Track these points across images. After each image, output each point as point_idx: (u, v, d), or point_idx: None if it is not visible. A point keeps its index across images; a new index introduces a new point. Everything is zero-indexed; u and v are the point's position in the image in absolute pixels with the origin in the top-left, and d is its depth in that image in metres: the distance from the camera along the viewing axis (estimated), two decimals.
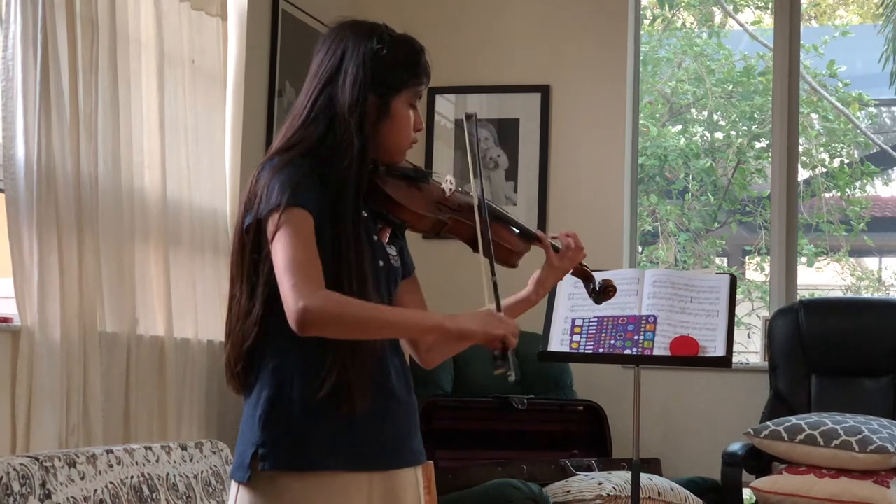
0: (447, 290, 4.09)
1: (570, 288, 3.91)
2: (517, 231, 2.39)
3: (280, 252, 2.05)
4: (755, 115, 8.71)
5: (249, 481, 2.10)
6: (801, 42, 5.57)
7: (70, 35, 3.50)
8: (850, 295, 8.45)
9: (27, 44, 3.35)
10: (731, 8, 9.10)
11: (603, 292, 2.49)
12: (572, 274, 2.46)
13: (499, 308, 2.18)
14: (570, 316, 3.89)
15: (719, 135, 9.00)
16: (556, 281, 2.44)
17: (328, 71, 2.21)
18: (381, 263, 2.22)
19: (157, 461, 3.42)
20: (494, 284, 2.20)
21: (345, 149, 2.15)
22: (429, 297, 2.38)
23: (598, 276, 2.55)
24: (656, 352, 3.74)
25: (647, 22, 8.59)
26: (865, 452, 4.22)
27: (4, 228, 3.32)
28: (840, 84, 8.70)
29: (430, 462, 3.71)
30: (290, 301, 2.02)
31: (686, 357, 3.75)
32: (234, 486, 2.16)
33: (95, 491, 3.09)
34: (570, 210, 5.34)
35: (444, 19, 5.51)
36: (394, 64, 2.21)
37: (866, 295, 8.75)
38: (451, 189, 2.30)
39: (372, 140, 2.19)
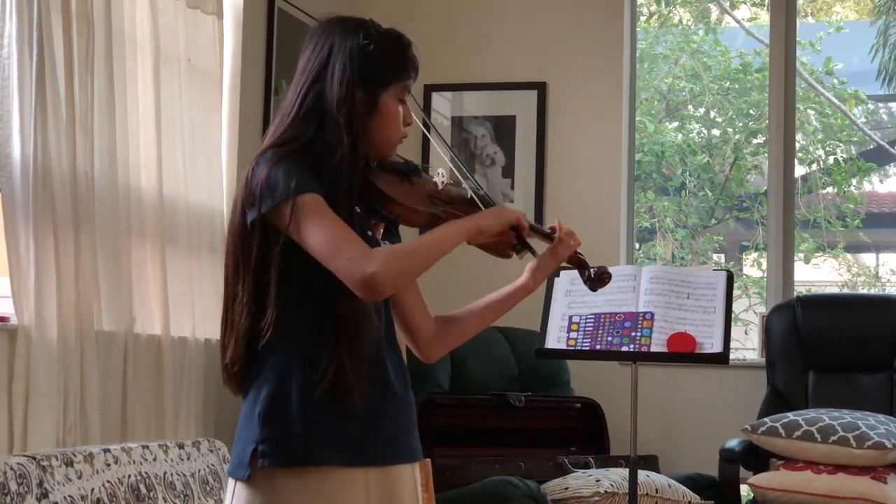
0: (444, 286, 4.09)
1: (567, 285, 3.91)
2: None
3: (315, 235, 2.05)
4: (752, 112, 8.71)
5: (249, 479, 2.10)
6: (798, 38, 5.57)
7: (66, 33, 3.49)
8: (846, 291, 8.45)
9: (23, 42, 3.34)
10: (727, 4, 9.10)
11: (598, 279, 2.50)
12: (568, 262, 2.45)
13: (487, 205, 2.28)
14: (567, 313, 3.89)
15: (716, 131, 9.01)
16: (553, 268, 2.44)
17: (315, 68, 2.20)
18: None
19: (154, 460, 3.42)
20: (482, 198, 2.29)
21: (335, 146, 2.15)
22: (425, 291, 2.37)
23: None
24: (653, 348, 3.74)
25: (643, 19, 8.58)
26: (863, 448, 4.22)
27: (1, 227, 3.32)
28: (836, 80, 8.70)
29: (428, 459, 3.71)
30: (356, 273, 2.02)
31: (683, 353, 3.75)
32: (231, 483, 2.16)
33: (93, 490, 3.09)
34: (567, 207, 5.33)
35: (440, 17, 5.51)
36: (381, 59, 2.20)
37: (863, 291, 8.76)
38: (443, 182, 2.30)
39: (362, 136, 2.18)
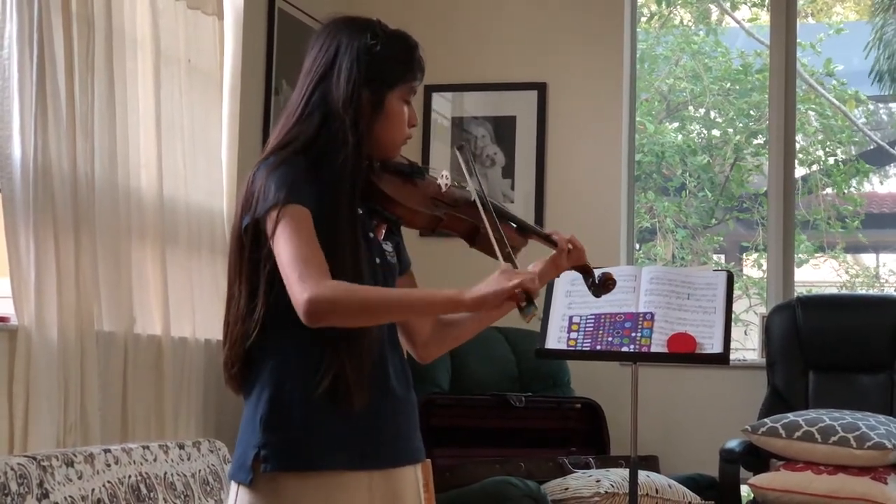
0: (442, 287, 4.08)
1: (567, 285, 3.91)
2: (514, 225, 2.39)
3: (283, 248, 2.05)
4: (752, 113, 8.71)
5: (251, 483, 2.10)
6: (798, 39, 5.57)
7: (66, 34, 3.50)
8: (846, 291, 8.45)
9: (23, 43, 3.34)
10: (727, 5, 9.10)
11: (602, 285, 2.49)
12: (572, 268, 2.45)
13: (512, 263, 2.14)
14: (567, 313, 3.89)
15: (716, 132, 9.00)
16: (554, 276, 2.44)
17: (322, 67, 2.20)
18: (378, 260, 2.22)
19: (154, 460, 3.42)
20: (500, 240, 2.17)
21: (339, 145, 2.15)
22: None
23: (597, 270, 2.55)
24: (654, 349, 3.74)
25: (643, 19, 8.58)
26: (863, 449, 4.22)
27: (1, 228, 3.32)
28: (836, 81, 8.70)
29: (428, 460, 3.71)
30: (298, 292, 2.01)
31: (683, 354, 3.75)
32: (233, 486, 2.16)
33: (93, 490, 3.09)
34: (568, 207, 5.34)
35: (441, 17, 5.51)
36: (387, 60, 2.21)
37: (863, 291, 8.76)
38: (446, 184, 2.29)
39: (366, 136, 2.18)
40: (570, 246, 2.39)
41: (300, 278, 2.01)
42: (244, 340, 2.14)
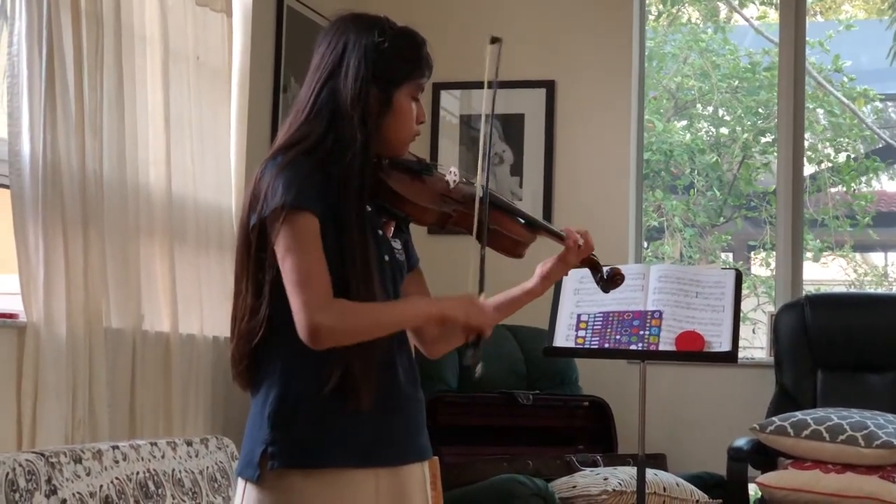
0: (452, 285, 4.08)
1: (575, 283, 3.91)
2: (522, 221, 2.39)
3: (288, 263, 2.06)
4: (760, 111, 8.69)
5: (258, 480, 2.11)
6: (807, 37, 5.56)
7: (75, 31, 3.50)
8: (855, 290, 8.43)
9: (32, 40, 3.35)
10: (736, 3, 9.09)
11: (611, 280, 2.49)
12: (580, 263, 2.45)
13: (481, 288, 2.21)
14: (575, 311, 3.89)
15: (724, 130, 8.99)
16: (563, 274, 2.44)
17: (329, 65, 2.20)
18: (387, 258, 2.22)
19: (162, 457, 3.42)
20: (482, 258, 2.22)
21: (348, 143, 2.15)
22: (434, 291, 2.37)
23: (605, 266, 2.54)
24: (662, 347, 3.74)
25: (652, 17, 8.57)
26: (871, 448, 4.21)
27: (10, 225, 3.33)
28: (845, 79, 8.68)
29: (436, 457, 3.71)
30: (303, 318, 2.03)
31: (692, 352, 3.75)
32: (241, 483, 2.16)
33: (101, 487, 3.10)
34: (576, 205, 5.33)
35: (449, 14, 5.50)
36: (395, 57, 2.21)
37: (872, 290, 8.74)
38: (455, 181, 2.29)
39: (375, 134, 2.18)
40: (579, 241, 2.39)
41: (305, 303, 2.03)
42: (251, 337, 2.14)
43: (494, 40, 2.30)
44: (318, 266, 2.06)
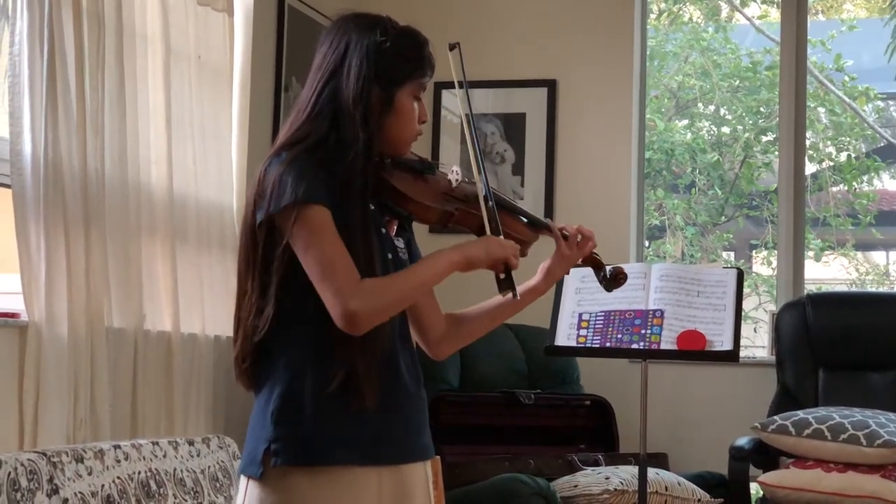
0: (455, 283, 4.08)
1: (577, 282, 3.91)
2: (525, 220, 2.39)
3: (311, 257, 2.06)
4: (762, 110, 8.69)
5: (261, 477, 2.11)
6: (808, 37, 5.56)
7: (76, 31, 3.50)
8: (857, 289, 8.43)
9: (33, 40, 3.35)
10: (737, 2, 9.08)
11: (614, 279, 2.48)
12: (582, 262, 2.44)
13: (497, 230, 2.23)
14: (577, 310, 3.88)
15: (726, 129, 8.99)
16: (566, 270, 2.43)
17: (332, 64, 2.20)
18: (390, 256, 2.22)
19: (164, 456, 3.42)
20: (492, 210, 2.24)
21: (350, 142, 2.15)
22: (438, 289, 2.37)
23: (608, 265, 2.54)
24: (663, 346, 3.74)
25: (653, 16, 8.57)
26: (873, 447, 4.21)
27: (12, 224, 3.33)
28: (847, 78, 8.68)
29: (438, 456, 3.71)
30: (337, 307, 2.04)
31: (693, 351, 3.74)
32: (243, 481, 2.16)
33: (103, 486, 3.10)
34: (577, 204, 5.33)
35: (450, 13, 5.50)
36: (397, 56, 2.20)
37: (873, 288, 8.74)
38: (457, 180, 2.29)
39: (377, 133, 2.18)
40: (579, 237, 2.39)
41: (337, 291, 2.04)
42: (255, 336, 2.14)
43: (452, 47, 2.31)
44: (339, 254, 2.07)
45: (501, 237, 2.22)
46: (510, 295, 2.19)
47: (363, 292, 2.05)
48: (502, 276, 2.20)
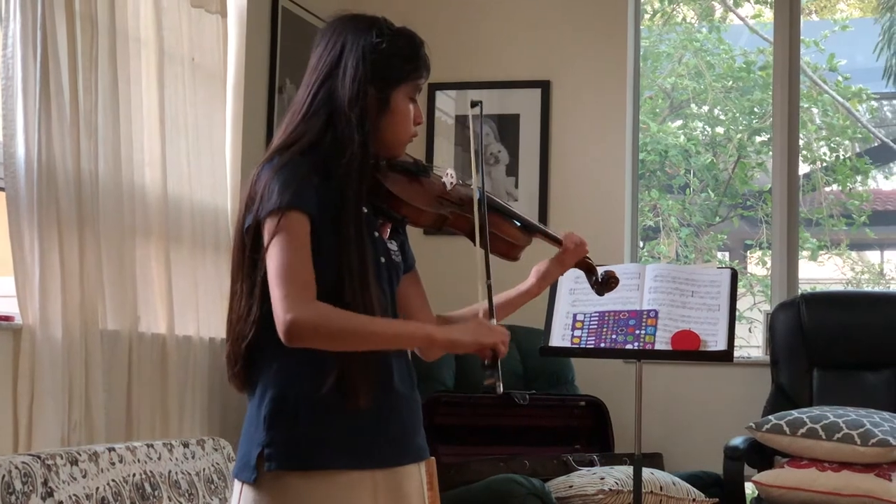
0: (448, 286, 4.09)
1: (571, 283, 3.91)
2: (518, 224, 2.39)
3: (274, 258, 2.05)
4: (755, 110, 8.70)
5: (255, 482, 2.10)
6: (801, 36, 5.57)
7: (70, 33, 3.50)
8: (851, 288, 8.44)
9: (27, 42, 3.35)
10: (731, 2, 9.09)
11: (605, 284, 2.50)
12: (575, 266, 2.46)
13: (492, 313, 2.19)
14: (571, 311, 3.89)
15: (720, 129, 9.00)
16: (560, 274, 2.45)
17: (327, 65, 2.20)
18: (383, 260, 2.22)
19: (159, 459, 3.42)
20: (489, 287, 2.20)
21: (345, 144, 2.15)
22: (430, 292, 2.37)
23: (600, 269, 2.56)
24: (658, 346, 3.75)
25: (647, 17, 8.58)
26: (867, 446, 4.22)
27: (5, 227, 3.32)
28: (840, 78, 8.69)
29: (433, 458, 3.72)
30: (280, 312, 2.02)
31: (687, 351, 3.75)
32: (237, 485, 2.16)
33: (97, 489, 3.09)
34: (572, 205, 5.34)
35: (444, 14, 5.51)
36: (393, 57, 2.20)
37: (868, 288, 8.75)
38: (451, 183, 2.29)
39: (372, 135, 2.18)
40: (574, 243, 2.41)
41: (284, 297, 2.02)
42: (245, 338, 2.14)
43: (474, 104, 2.31)
44: (301, 263, 2.05)
45: (494, 321, 2.19)
46: (493, 384, 2.13)
47: (311, 308, 2.02)
48: (488, 362, 2.14)
